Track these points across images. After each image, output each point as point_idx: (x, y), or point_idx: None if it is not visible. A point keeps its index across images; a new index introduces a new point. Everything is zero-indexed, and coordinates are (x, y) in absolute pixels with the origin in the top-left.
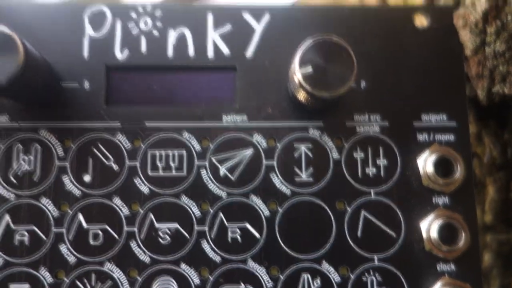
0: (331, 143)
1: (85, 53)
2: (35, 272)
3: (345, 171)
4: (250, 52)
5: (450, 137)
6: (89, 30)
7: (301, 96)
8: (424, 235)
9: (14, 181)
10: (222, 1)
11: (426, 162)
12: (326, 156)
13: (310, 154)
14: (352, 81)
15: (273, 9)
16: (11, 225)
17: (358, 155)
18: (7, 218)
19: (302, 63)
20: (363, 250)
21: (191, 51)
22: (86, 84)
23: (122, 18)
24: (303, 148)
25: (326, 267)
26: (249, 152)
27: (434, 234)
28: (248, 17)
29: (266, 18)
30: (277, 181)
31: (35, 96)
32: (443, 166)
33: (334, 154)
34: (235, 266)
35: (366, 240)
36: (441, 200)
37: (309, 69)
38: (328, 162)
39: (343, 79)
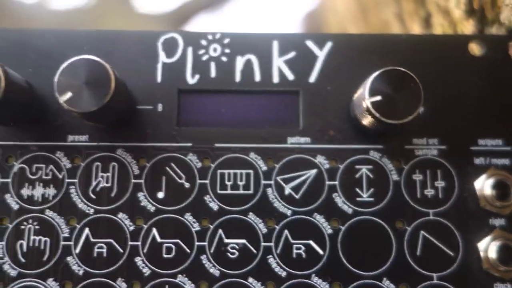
0: (390, 165)
1: (159, 77)
2: (112, 283)
3: (404, 192)
4: (313, 77)
5: (506, 161)
6: (162, 56)
7: (367, 121)
8: (482, 255)
9: (94, 196)
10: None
11: (483, 185)
12: (386, 177)
13: (370, 175)
14: (419, 109)
15: (335, 37)
16: (91, 238)
17: (417, 177)
18: (87, 231)
19: (372, 92)
20: (422, 269)
21: (257, 76)
22: (160, 107)
23: (193, 45)
24: (364, 170)
25: (387, 284)
26: (312, 172)
27: (491, 254)
28: (311, 44)
29: (328, 45)
30: (339, 200)
31: (115, 119)
32: (499, 189)
33: (394, 176)
34: (300, 281)
35: (425, 259)
36: (497, 221)
37: (378, 97)
38: (388, 183)
39: (411, 107)
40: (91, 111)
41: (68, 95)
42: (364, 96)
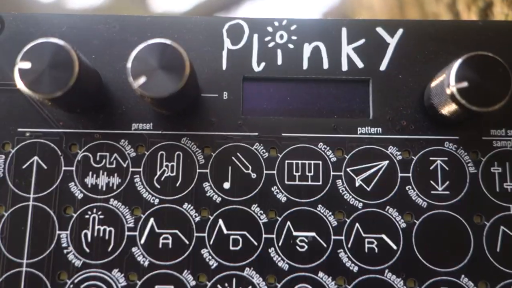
0: (467, 157)
1: (224, 65)
2: (178, 275)
3: (482, 185)
4: (384, 65)
5: None
6: (227, 43)
7: (449, 109)
8: None
9: (158, 186)
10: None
11: None
12: (463, 169)
13: (446, 167)
14: (508, 96)
15: (406, 23)
16: (156, 228)
17: (496, 169)
18: (151, 221)
19: (458, 78)
20: (502, 266)
21: (325, 64)
22: (225, 95)
23: (259, 31)
24: (439, 161)
25: (465, 281)
26: (384, 164)
27: None
28: (381, 31)
29: (399, 32)
30: (413, 193)
31: (184, 106)
32: None
33: (471, 168)
34: (372, 276)
35: (505, 255)
36: None
37: (465, 83)
38: (465, 176)
39: (499, 94)
40: (165, 96)
41: (142, 80)
42: (449, 83)
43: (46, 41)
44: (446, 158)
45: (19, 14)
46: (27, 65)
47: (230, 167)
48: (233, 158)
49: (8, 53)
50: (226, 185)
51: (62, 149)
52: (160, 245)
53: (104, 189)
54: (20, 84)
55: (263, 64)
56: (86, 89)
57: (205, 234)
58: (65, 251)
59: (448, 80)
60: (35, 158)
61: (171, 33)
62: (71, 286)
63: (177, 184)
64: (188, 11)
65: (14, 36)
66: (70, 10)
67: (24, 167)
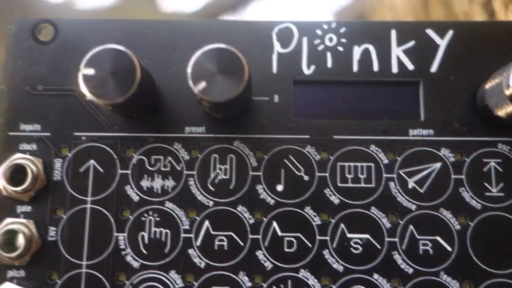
0: None
1: (274, 68)
2: (234, 276)
3: None
4: (434, 67)
5: None
6: (277, 47)
7: (506, 111)
8: None
9: (212, 189)
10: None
11: None
12: None
13: (499, 169)
14: None
15: (456, 25)
16: (211, 230)
17: None
18: (207, 223)
19: None
20: None
21: (375, 66)
22: (276, 98)
23: (308, 34)
24: (492, 163)
25: None
26: (437, 166)
27: None
28: (431, 33)
29: (449, 34)
30: (467, 195)
31: (240, 110)
32: None
33: None
34: (428, 278)
35: None
36: None
37: None
38: None
39: None
40: (226, 100)
41: (203, 84)
42: (508, 84)
43: (108, 47)
44: (499, 160)
45: (71, 20)
46: (90, 71)
47: (282, 170)
48: (285, 160)
49: (62, 59)
50: (279, 188)
51: (117, 152)
52: (216, 247)
53: (159, 192)
54: (84, 90)
55: (313, 67)
56: (146, 94)
57: (260, 236)
58: (123, 252)
59: (508, 82)
60: (92, 161)
61: (221, 37)
62: (130, 287)
63: (231, 187)
64: (197, 11)
65: (67, 42)
66: (79, 11)
67: (81, 170)
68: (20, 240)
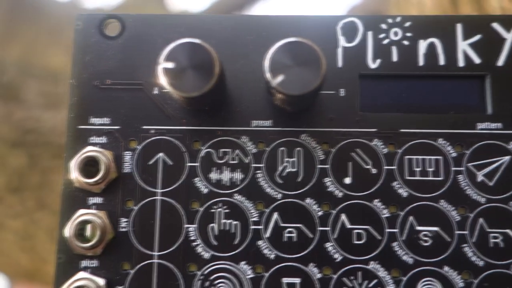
0: None
1: (339, 62)
2: (304, 268)
3: None
4: (501, 60)
5: None
6: (342, 41)
7: None
8: None
9: (280, 181)
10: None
11: None
12: None
13: None
14: None
15: None
16: (280, 222)
17: None
18: (276, 216)
19: None
20: None
21: (441, 60)
22: (342, 92)
23: (373, 29)
24: None
25: None
26: (506, 159)
27: None
28: (497, 26)
29: None
30: None
31: (310, 103)
32: None
33: None
34: (500, 271)
35: None
36: None
37: None
38: None
39: None
40: (303, 93)
41: (281, 77)
42: None
43: (188, 41)
44: None
45: (137, 15)
46: (170, 64)
47: (350, 163)
48: (352, 153)
49: (129, 54)
50: (347, 180)
51: (185, 145)
52: (285, 239)
53: (228, 184)
54: (164, 83)
55: (378, 61)
56: (221, 87)
57: (329, 228)
58: (193, 243)
59: None
60: (161, 154)
61: (286, 32)
62: (202, 277)
63: (299, 179)
64: (205, 10)
65: (134, 37)
66: (86, 10)
67: (150, 163)
68: (94, 231)
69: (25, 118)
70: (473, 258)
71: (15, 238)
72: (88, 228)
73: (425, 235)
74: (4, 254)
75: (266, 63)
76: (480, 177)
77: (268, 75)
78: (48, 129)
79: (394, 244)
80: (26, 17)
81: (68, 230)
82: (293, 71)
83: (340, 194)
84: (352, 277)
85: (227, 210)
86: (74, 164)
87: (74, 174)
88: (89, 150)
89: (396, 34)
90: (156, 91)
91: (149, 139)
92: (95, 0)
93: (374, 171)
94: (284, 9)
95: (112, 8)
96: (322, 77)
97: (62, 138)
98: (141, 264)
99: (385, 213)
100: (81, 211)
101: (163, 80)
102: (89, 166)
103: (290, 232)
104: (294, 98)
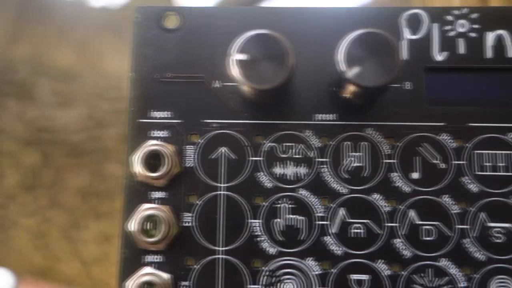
0: None
1: (404, 54)
2: (372, 264)
3: None
4: None
5: None
6: (406, 33)
7: None
8: None
9: (346, 176)
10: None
11: None
12: None
13: None
14: None
15: None
16: (346, 218)
17: None
18: (342, 211)
19: None
20: None
21: (510, 52)
22: (407, 85)
23: (439, 20)
24: None
25: None
26: None
27: None
28: None
29: None
30: None
31: (381, 95)
32: None
33: None
34: None
35: None
36: None
37: None
38: None
39: None
40: (379, 85)
41: (356, 69)
42: None
43: (262, 32)
44: None
45: (196, 8)
46: (243, 56)
47: (417, 157)
48: (419, 148)
49: (189, 47)
50: (415, 175)
51: (248, 139)
52: (352, 234)
53: (292, 178)
54: (237, 76)
55: (444, 54)
56: (291, 80)
57: (397, 224)
58: (258, 239)
59: None
60: (223, 148)
61: (350, 24)
62: (267, 273)
63: (365, 174)
64: (215, 3)
65: (194, 30)
66: (92, 9)
67: (212, 157)
68: (159, 226)
69: (38, 116)
70: None
71: (28, 236)
72: (153, 222)
73: (498, 232)
74: (17, 251)
75: (340, 55)
76: None
77: (342, 66)
78: (61, 127)
79: (465, 240)
80: (34, 15)
81: (133, 225)
82: (369, 62)
83: (407, 189)
84: (422, 274)
85: (292, 205)
86: (137, 158)
87: (137, 168)
88: (152, 144)
89: (462, 26)
90: (217, 84)
91: (211, 133)
92: None
93: (442, 166)
94: (293, 2)
95: (117, 6)
96: (398, 68)
97: (75, 136)
98: (206, 259)
99: (455, 209)
100: (145, 205)
101: (235, 72)
102: (151, 160)
103: (357, 227)
104: (368, 90)
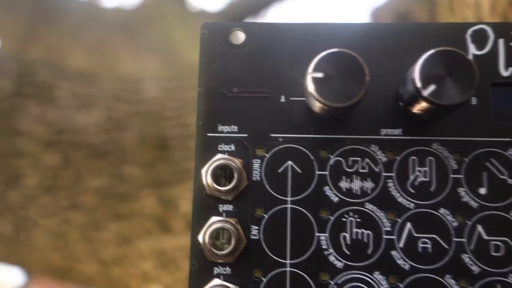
0: None
1: None
2: (441, 279)
3: None
4: None
5: None
6: (472, 49)
7: None
8: None
9: (412, 191)
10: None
11: None
12: None
13: None
14: None
15: None
16: (413, 232)
17: None
18: (409, 225)
19: None
20: None
21: None
22: (474, 100)
23: (504, 36)
24: None
25: None
26: None
27: None
28: None
29: None
30: None
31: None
32: None
33: None
34: None
35: None
36: None
37: None
38: None
39: None
40: (453, 103)
41: (432, 87)
42: None
43: (338, 51)
44: None
45: (262, 24)
46: (319, 74)
47: (484, 173)
48: (486, 163)
49: (254, 62)
50: (482, 191)
51: (314, 154)
52: (420, 249)
53: (358, 193)
54: (313, 93)
55: (511, 69)
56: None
57: (465, 239)
58: (325, 252)
59: None
60: (289, 162)
61: (415, 40)
62: (335, 286)
63: (431, 189)
64: (222, 10)
65: (259, 45)
66: (105, 10)
67: (279, 171)
68: (229, 239)
69: (59, 118)
70: None
71: (48, 237)
72: (223, 235)
73: None
74: (37, 251)
75: (416, 72)
76: None
77: (418, 84)
78: (81, 129)
79: None
80: (47, 17)
81: (203, 237)
82: (446, 80)
83: (475, 205)
84: None
85: (358, 220)
86: (207, 171)
87: (207, 181)
88: (221, 158)
89: None
90: (282, 99)
91: (277, 147)
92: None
93: (510, 181)
94: (300, 12)
95: (132, 7)
96: (476, 87)
97: (95, 138)
98: (274, 272)
99: None
100: (214, 218)
101: (311, 89)
102: (219, 173)
103: (424, 242)
104: (443, 108)
